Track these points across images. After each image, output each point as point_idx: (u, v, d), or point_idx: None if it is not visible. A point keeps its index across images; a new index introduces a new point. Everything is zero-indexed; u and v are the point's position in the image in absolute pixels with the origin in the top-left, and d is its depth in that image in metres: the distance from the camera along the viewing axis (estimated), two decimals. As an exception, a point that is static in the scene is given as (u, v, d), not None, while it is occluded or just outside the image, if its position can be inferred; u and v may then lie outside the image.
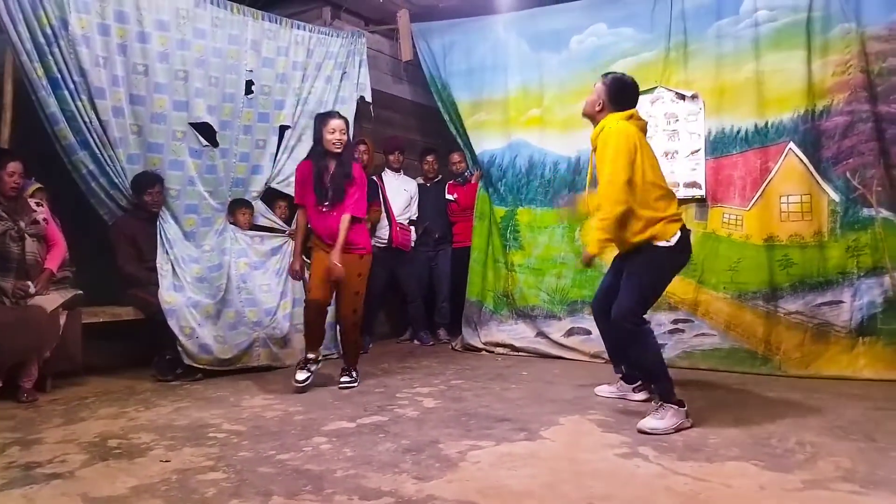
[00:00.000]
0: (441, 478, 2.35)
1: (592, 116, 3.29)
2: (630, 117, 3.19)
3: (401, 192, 5.72)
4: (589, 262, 3.32)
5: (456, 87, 5.55)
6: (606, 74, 3.34)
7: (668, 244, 3.06)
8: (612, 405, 3.45)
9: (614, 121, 3.15)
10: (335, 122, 3.88)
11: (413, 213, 5.80)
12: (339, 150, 3.87)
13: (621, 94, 3.23)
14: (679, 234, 3.11)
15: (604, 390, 3.66)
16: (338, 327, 4.45)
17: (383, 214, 5.62)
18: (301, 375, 3.84)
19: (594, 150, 3.22)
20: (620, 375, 3.62)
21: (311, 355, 3.92)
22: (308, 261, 4.24)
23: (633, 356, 3.28)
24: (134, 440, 2.84)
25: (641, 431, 2.87)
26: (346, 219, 3.85)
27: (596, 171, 3.20)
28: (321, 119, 3.96)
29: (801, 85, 4.27)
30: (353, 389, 3.91)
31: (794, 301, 4.24)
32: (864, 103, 4.10)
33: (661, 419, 2.92)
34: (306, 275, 4.23)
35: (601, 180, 3.12)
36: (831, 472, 2.36)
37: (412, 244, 5.76)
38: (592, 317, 3.75)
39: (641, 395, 3.52)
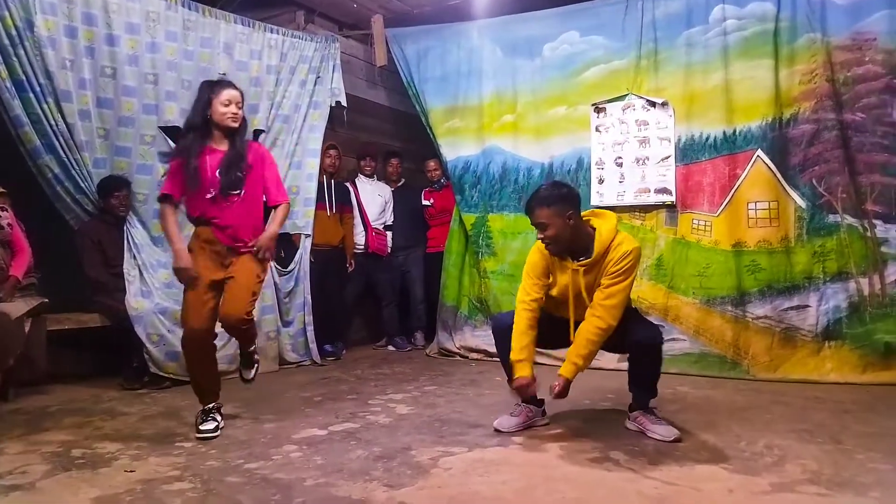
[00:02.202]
0: (412, 485, 2.34)
1: (568, 239, 2.85)
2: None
3: (375, 197, 5.75)
4: (562, 393, 2.85)
5: (430, 92, 5.56)
6: (544, 196, 2.87)
7: None
8: (583, 410, 3.46)
9: (621, 234, 2.91)
10: (230, 93, 3.05)
11: (388, 218, 5.82)
12: (235, 125, 3.06)
13: (572, 192, 2.95)
14: None
15: (506, 423, 3.04)
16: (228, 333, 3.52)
17: (358, 220, 5.64)
18: (206, 426, 3.02)
19: (595, 268, 2.87)
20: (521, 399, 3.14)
21: (209, 405, 3.11)
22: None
23: (657, 372, 3.03)
24: (98, 450, 2.78)
25: (676, 441, 2.80)
26: (282, 210, 3.21)
27: (592, 291, 2.88)
28: (208, 88, 3.09)
29: (769, 93, 4.35)
30: (323, 395, 3.87)
31: (761, 306, 4.31)
32: (829, 112, 4.19)
33: (669, 425, 2.91)
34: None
35: (610, 300, 2.82)
36: (798, 475, 2.39)
37: (388, 249, 5.77)
38: (500, 330, 3.15)
39: (547, 419, 3.19)
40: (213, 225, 3.09)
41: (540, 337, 3.00)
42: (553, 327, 3.01)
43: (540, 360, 4.85)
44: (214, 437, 2.97)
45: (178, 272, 3.06)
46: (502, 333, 3.07)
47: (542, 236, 2.88)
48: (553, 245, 2.88)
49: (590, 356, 2.87)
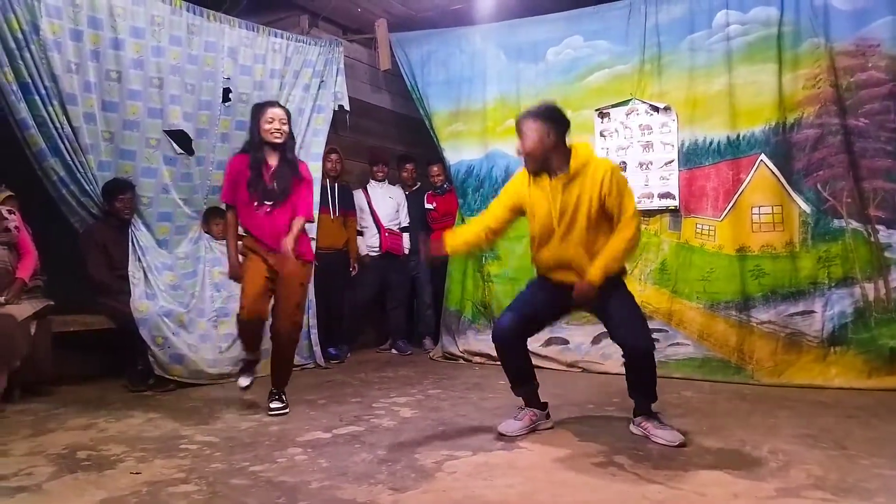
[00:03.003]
0: (417, 488, 2.34)
1: (544, 158, 2.91)
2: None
3: (386, 199, 5.80)
4: (586, 294, 2.83)
5: (434, 96, 5.57)
6: (533, 110, 2.98)
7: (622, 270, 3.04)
8: (587, 414, 3.46)
9: (597, 157, 3.01)
10: (274, 111, 3.43)
11: (403, 219, 5.84)
12: (279, 141, 3.42)
13: (564, 116, 2.98)
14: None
15: (510, 428, 3.04)
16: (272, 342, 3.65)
17: (371, 223, 5.66)
18: (244, 381, 3.56)
19: (575, 184, 2.89)
20: (525, 403, 3.18)
21: (250, 356, 3.62)
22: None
23: (653, 379, 2.99)
24: (104, 452, 2.79)
25: (681, 445, 2.79)
26: (299, 221, 3.43)
27: (578, 213, 2.88)
28: (258, 109, 3.50)
29: (773, 98, 4.35)
30: (327, 398, 3.88)
31: (766, 311, 4.30)
32: (833, 116, 4.19)
33: (673, 429, 2.90)
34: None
35: (625, 214, 2.85)
36: (803, 480, 2.39)
37: (406, 250, 5.79)
38: (500, 340, 3.08)
39: (551, 422, 3.19)
40: (258, 231, 3.45)
41: (543, 314, 3.08)
42: (551, 295, 3.02)
43: (540, 363, 4.88)
44: (249, 387, 3.56)
45: (230, 276, 3.63)
46: (501, 342, 3.07)
47: (519, 148, 2.96)
48: (529, 159, 2.94)
49: (617, 261, 2.85)
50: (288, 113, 3.53)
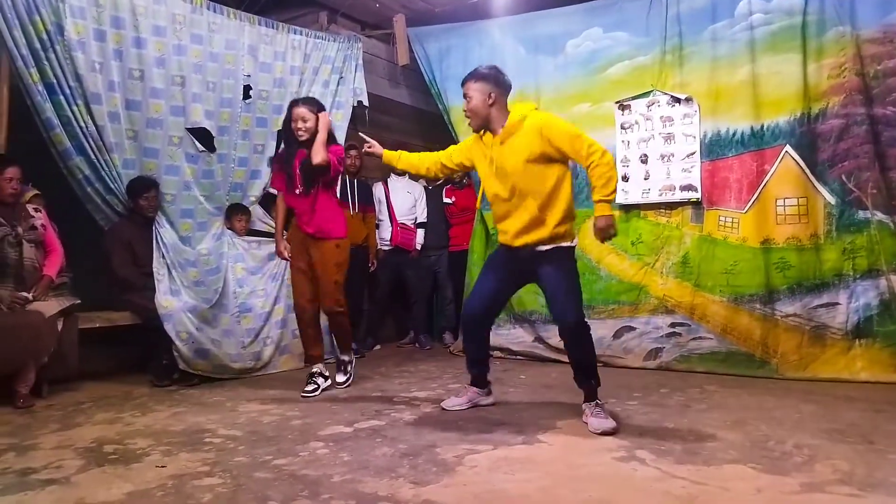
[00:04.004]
0: (438, 482, 2.35)
1: (486, 116, 3.16)
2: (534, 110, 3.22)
3: (404, 193, 5.81)
4: (606, 229, 2.99)
5: (452, 91, 5.56)
6: (477, 72, 3.23)
7: (573, 245, 3.18)
8: (610, 409, 3.44)
9: (534, 110, 3.19)
10: (296, 111, 3.82)
11: (420, 215, 5.85)
12: (304, 138, 3.80)
13: (505, 78, 3.24)
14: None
15: (452, 403, 3.45)
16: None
17: (386, 216, 5.69)
18: (309, 387, 3.87)
19: (512, 141, 3.11)
20: (470, 382, 3.51)
21: (314, 369, 3.96)
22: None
23: (589, 359, 3.18)
24: (130, 446, 2.83)
25: (604, 433, 2.92)
26: (325, 117, 3.86)
27: (517, 164, 3.09)
28: (288, 109, 3.94)
29: (797, 88, 4.28)
30: (348, 393, 3.91)
31: (790, 304, 4.25)
32: (859, 106, 4.11)
33: (607, 418, 3.03)
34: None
35: (581, 140, 3.02)
36: (829, 475, 2.36)
37: (418, 246, 5.80)
38: (466, 324, 3.49)
39: (491, 399, 3.52)
40: (297, 212, 3.93)
41: (504, 291, 3.36)
42: (508, 270, 3.26)
43: (560, 357, 4.86)
44: (314, 396, 3.79)
45: (276, 251, 4.17)
46: (467, 326, 3.46)
47: (464, 108, 3.24)
48: (472, 117, 3.21)
49: (608, 187, 2.98)
50: (314, 107, 3.86)
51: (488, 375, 3.53)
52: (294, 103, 3.91)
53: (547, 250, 3.10)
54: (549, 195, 3.07)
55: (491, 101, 3.14)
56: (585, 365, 3.16)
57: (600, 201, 2.99)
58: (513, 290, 3.47)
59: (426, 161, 3.52)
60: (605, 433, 2.92)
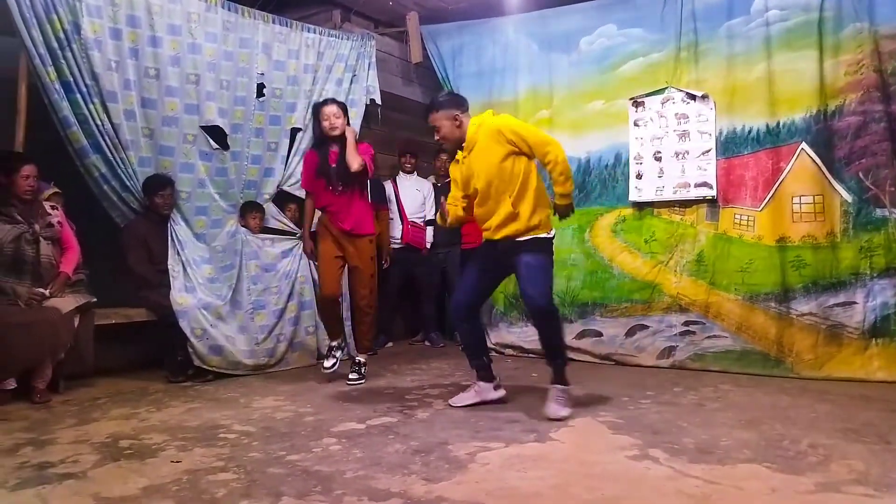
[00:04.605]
0: (450, 479, 2.35)
1: (458, 138, 3.39)
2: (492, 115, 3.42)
3: (413, 191, 5.80)
4: (565, 213, 3.38)
5: (465, 88, 5.53)
6: (438, 102, 3.46)
7: (550, 236, 3.34)
8: (622, 407, 3.44)
9: (491, 116, 3.38)
10: (326, 109, 3.99)
11: (429, 212, 5.85)
12: (336, 134, 3.97)
13: (461, 98, 3.53)
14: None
15: (460, 399, 3.49)
16: (352, 314, 4.45)
17: (396, 214, 5.70)
18: (328, 363, 4.10)
19: (476, 149, 3.32)
20: (476, 377, 3.55)
21: (333, 343, 4.17)
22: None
23: (556, 340, 3.34)
24: (145, 441, 2.86)
25: (555, 419, 3.12)
26: (351, 133, 4.01)
27: (487, 168, 3.27)
28: (315, 109, 4.11)
29: (813, 85, 4.24)
30: (361, 390, 3.92)
31: (806, 302, 4.21)
32: (877, 103, 4.07)
33: (564, 406, 3.21)
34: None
35: (541, 139, 3.28)
36: (844, 475, 2.33)
37: (428, 244, 5.80)
38: (456, 320, 3.62)
39: (500, 393, 3.53)
40: (329, 212, 4.08)
41: (487, 284, 3.53)
42: (489, 263, 3.45)
43: (573, 355, 4.85)
44: (332, 371, 4.08)
45: (304, 250, 4.64)
46: (457, 321, 3.56)
47: (436, 137, 3.47)
48: (445, 142, 3.46)
49: (566, 185, 3.30)
50: (342, 106, 4.07)
51: (493, 369, 3.56)
52: (323, 103, 4.08)
53: (524, 241, 3.27)
54: (519, 190, 3.26)
55: (458, 123, 3.38)
56: (554, 345, 3.34)
57: (562, 195, 3.31)
58: (496, 282, 3.62)
59: (459, 210, 3.56)
60: (555, 419, 3.11)
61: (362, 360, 4.22)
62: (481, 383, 3.51)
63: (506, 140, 3.24)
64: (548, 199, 3.41)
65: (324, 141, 4.05)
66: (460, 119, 3.38)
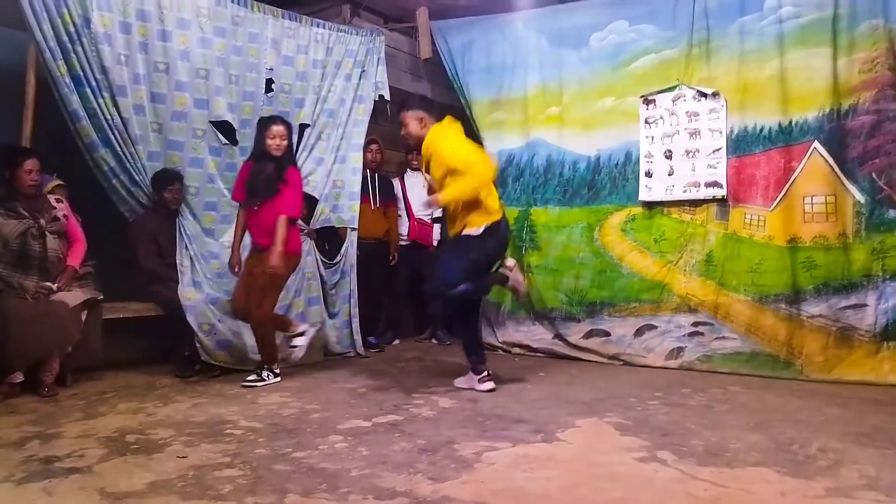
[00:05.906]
0: (456, 479, 2.34)
1: (420, 137, 3.80)
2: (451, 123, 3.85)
3: (420, 188, 5.75)
4: (433, 203, 3.80)
5: (474, 85, 5.54)
6: (408, 104, 3.94)
7: (474, 233, 3.67)
8: (629, 408, 3.41)
9: (432, 132, 3.77)
10: (274, 129, 3.95)
11: (435, 210, 5.82)
12: (278, 154, 3.96)
13: (432, 106, 4.02)
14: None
15: (459, 382, 3.94)
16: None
17: (403, 211, 5.68)
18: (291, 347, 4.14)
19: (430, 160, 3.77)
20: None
21: (288, 333, 4.17)
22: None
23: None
24: (152, 436, 2.86)
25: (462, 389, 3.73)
26: (282, 220, 3.88)
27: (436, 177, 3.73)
28: (263, 124, 4.02)
29: (827, 83, 4.19)
30: (367, 387, 3.91)
31: (817, 304, 4.17)
32: (891, 102, 4.02)
33: (476, 383, 3.77)
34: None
35: (452, 175, 3.65)
36: (855, 480, 2.31)
37: (435, 241, 5.78)
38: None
39: (489, 385, 3.78)
40: (251, 226, 4.05)
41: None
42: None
43: (580, 355, 4.83)
44: (253, 387, 3.84)
45: (228, 264, 4.19)
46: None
47: (402, 132, 3.88)
48: (408, 138, 3.88)
49: (449, 195, 3.62)
50: (289, 127, 4.08)
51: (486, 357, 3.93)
52: (271, 120, 4.03)
53: (459, 235, 3.73)
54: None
55: (423, 126, 3.80)
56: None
57: (446, 194, 3.61)
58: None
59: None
60: (461, 388, 3.77)
61: (267, 371, 3.97)
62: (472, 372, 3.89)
63: (429, 160, 3.75)
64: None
65: (262, 156, 3.98)
66: (426, 122, 3.80)
